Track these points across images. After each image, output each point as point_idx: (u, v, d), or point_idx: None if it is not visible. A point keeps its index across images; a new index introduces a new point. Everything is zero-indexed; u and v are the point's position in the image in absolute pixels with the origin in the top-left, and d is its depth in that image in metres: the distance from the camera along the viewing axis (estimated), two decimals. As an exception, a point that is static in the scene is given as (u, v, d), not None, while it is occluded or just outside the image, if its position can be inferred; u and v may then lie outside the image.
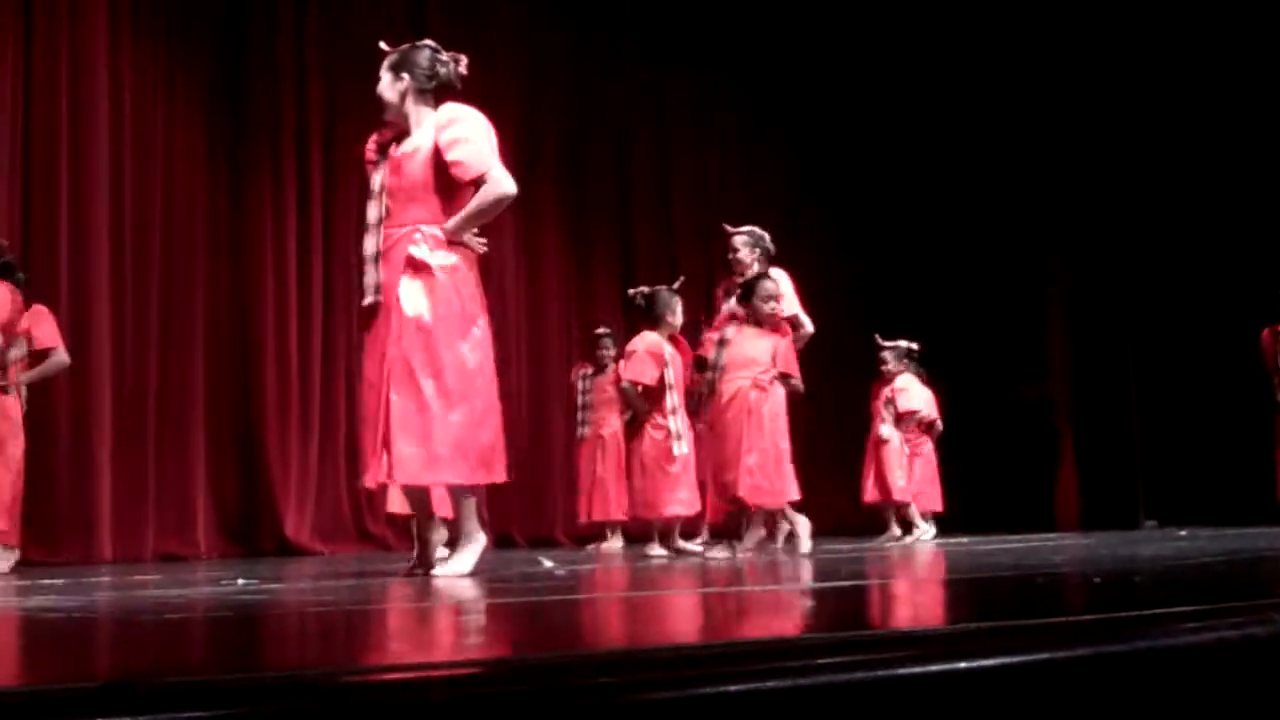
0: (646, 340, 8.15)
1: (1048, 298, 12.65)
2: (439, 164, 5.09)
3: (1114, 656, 2.00)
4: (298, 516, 9.66)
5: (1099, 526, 11.27)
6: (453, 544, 5.35)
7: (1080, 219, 12.37)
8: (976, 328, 12.52)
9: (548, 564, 6.40)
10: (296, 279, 10.01)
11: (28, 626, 3.25)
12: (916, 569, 5.35)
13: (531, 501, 11.34)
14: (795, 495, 7.53)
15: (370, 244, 5.11)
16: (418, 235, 5.04)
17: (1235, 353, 10.61)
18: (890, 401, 10.27)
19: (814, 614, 3.13)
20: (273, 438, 9.70)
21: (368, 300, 5.09)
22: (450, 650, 2.44)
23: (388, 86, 5.28)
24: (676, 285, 8.48)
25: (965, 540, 8.94)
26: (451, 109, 5.19)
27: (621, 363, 8.55)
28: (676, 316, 8.25)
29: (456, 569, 5.03)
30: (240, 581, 5.19)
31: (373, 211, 5.16)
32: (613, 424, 9.87)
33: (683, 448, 7.94)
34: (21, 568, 6.99)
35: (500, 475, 5.15)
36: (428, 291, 4.98)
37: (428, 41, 5.39)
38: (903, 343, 10.47)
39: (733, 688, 1.69)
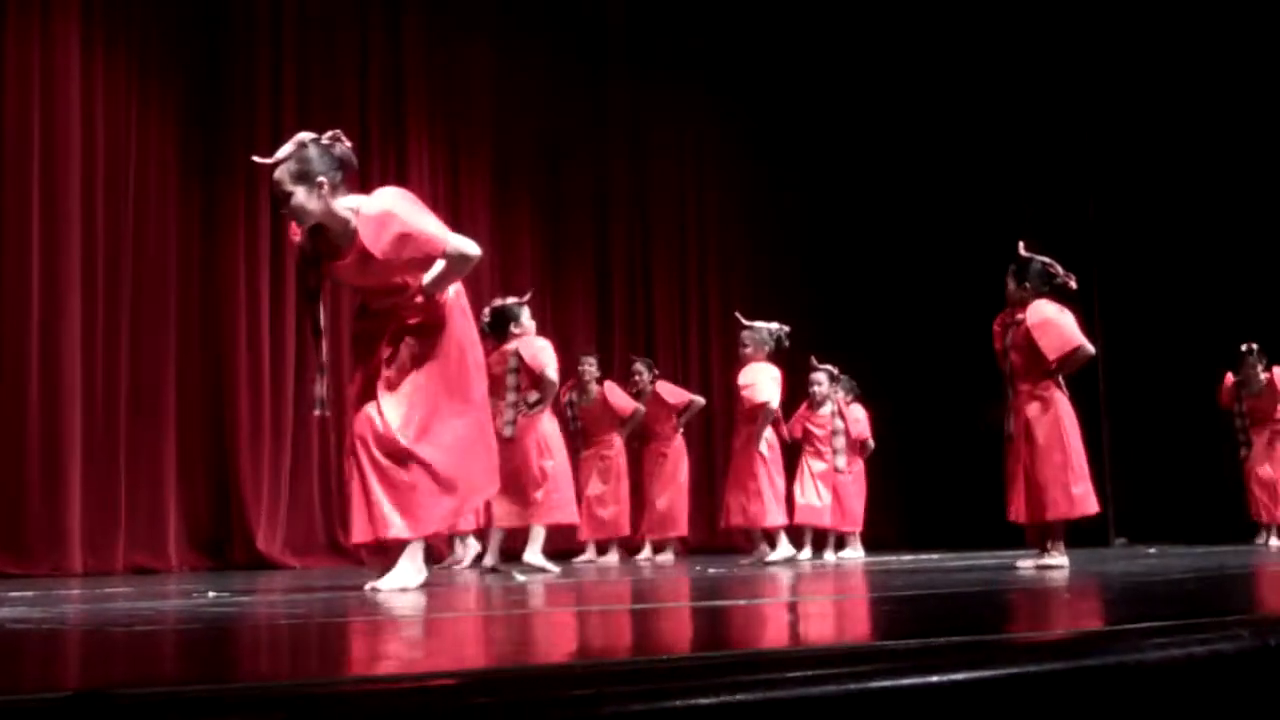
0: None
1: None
2: (388, 264, 5.11)
3: (1085, 671, 2.01)
4: (269, 530, 9.62)
5: (1070, 544, 11.26)
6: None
7: (1048, 239, 12.41)
8: (943, 346, 12.54)
9: (519, 578, 6.39)
10: (269, 293, 9.98)
11: (-4, 638, 3.23)
12: (889, 585, 5.36)
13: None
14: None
15: (321, 356, 5.33)
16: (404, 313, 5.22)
17: (1205, 372, 10.68)
18: (841, 432, 9.90)
19: (787, 627, 3.13)
20: (245, 451, 9.66)
21: (316, 413, 5.53)
22: (421, 663, 2.44)
23: (306, 198, 5.03)
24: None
25: (936, 557, 8.95)
26: (369, 211, 5.06)
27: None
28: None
29: (397, 583, 5.10)
30: (211, 594, 5.17)
31: (323, 346, 5.32)
32: (615, 443, 10.01)
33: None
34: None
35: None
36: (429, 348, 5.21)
37: (303, 136, 5.15)
38: (829, 366, 10.09)
39: (704, 700, 1.69)
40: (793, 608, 3.94)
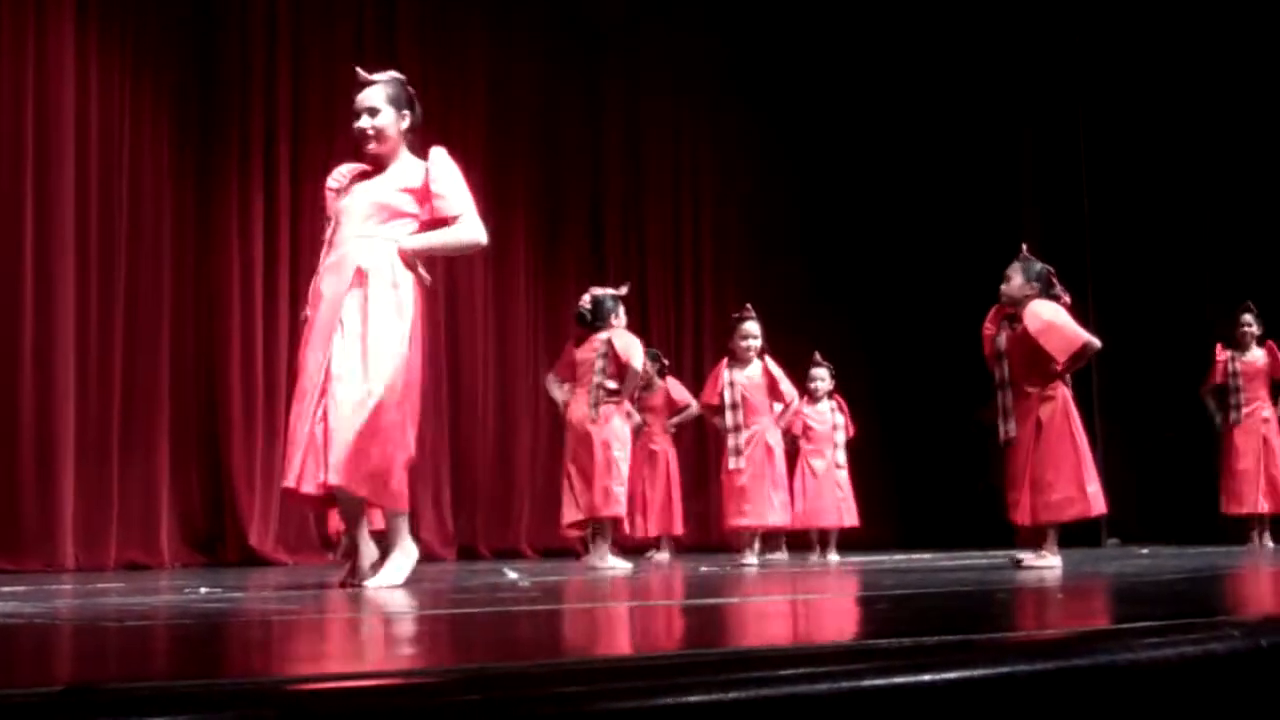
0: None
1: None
2: (418, 196, 5.14)
3: (1076, 671, 2.01)
4: (261, 526, 9.62)
5: (1062, 544, 11.27)
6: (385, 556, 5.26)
7: (1043, 238, 12.43)
8: (938, 346, 12.55)
9: (512, 575, 6.39)
10: (262, 288, 9.97)
11: (-13, 633, 3.23)
12: (881, 585, 5.36)
13: (497, 513, 11.32)
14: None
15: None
16: (373, 245, 5.07)
17: (1198, 372, 10.67)
18: (842, 427, 9.84)
19: (778, 625, 3.13)
20: (237, 447, 9.65)
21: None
22: (411, 660, 2.43)
23: (392, 123, 5.20)
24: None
25: (928, 557, 8.96)
26: (444, 156, 5.23)
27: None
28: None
29: (388, 580, 5.02)
30: (203, 590, 5.16)
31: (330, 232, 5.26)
32: (661, 441, 10.10)
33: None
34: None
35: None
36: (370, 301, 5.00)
37: (401, 75, 5.39)
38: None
39: (694, 698, 1.69)
40: (784, 606, 3.94)
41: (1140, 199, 12.37)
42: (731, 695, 1.71)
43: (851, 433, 10.05)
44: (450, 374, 11.09)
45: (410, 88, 5.35)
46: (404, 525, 5.16)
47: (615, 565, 7.65)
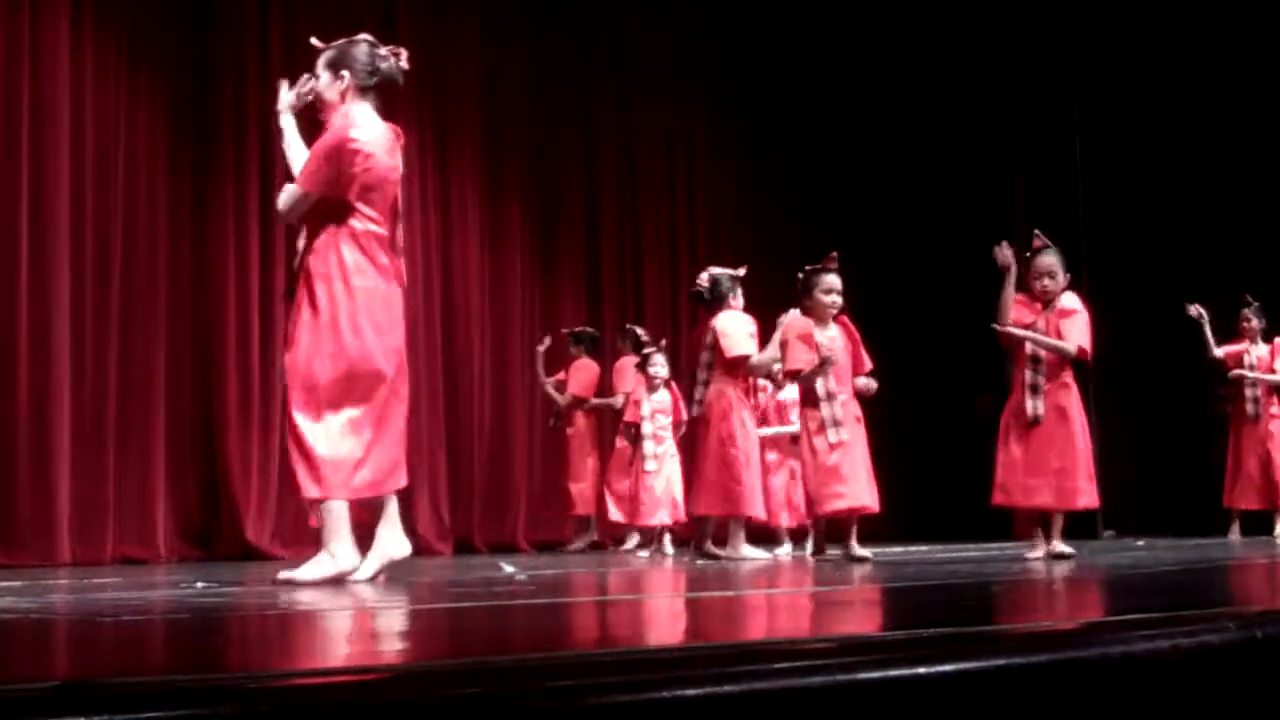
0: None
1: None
2: None
3: (1071, 663, 2.01)
4: (258, 520, 9.60)
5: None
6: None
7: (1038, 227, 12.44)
8: (940, 335, 12.55)
9: (508, 569, 6.39)
10: (259, 282, 9.96)
11: (-17, 628, 3.23)
12: (877, 577, 5.36)
13: (493, 507, 11.32)
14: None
15: None
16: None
17: (1194, 364, 10.68)
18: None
19: (774, 619, 3.13)
20: (234, 442, 9.64)
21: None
22: (410, 653, 2.44)
23: (327, 86, 5.16)
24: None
25: (924, 548, 8.96)
26: (338, 119, 5.11)
27: None
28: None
29: (310, 574, 4.89)
30: (199, 584, 5.16)
31: None
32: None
33: None
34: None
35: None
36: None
37: (365, 36, 5.28)
38: None
39: (690, 691, 1.69)
40: (781, 600, 3.94)
41: (1136, 189, 12.36)
42: (727, 689, 1.71)
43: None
44: (446, 367, 11.08)
45: (359, 43, 5.23)
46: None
47: (751, 555, 7.42)
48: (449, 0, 11.49)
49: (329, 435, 4.89)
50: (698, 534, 7.86)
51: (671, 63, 12.89)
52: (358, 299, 4.98)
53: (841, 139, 13.45)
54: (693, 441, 7.93)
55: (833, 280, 7.45)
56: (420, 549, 10.28)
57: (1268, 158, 11.74)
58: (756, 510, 7.78)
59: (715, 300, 7.86)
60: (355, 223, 5.01)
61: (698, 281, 8.05)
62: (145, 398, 9.27)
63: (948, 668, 1.88)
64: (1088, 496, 6.77)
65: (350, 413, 4.93)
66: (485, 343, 11.50)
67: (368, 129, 5.10)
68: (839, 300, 7.46)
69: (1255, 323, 10.25)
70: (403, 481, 5.14)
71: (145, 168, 9.48)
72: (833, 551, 7.34)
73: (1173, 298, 11.61)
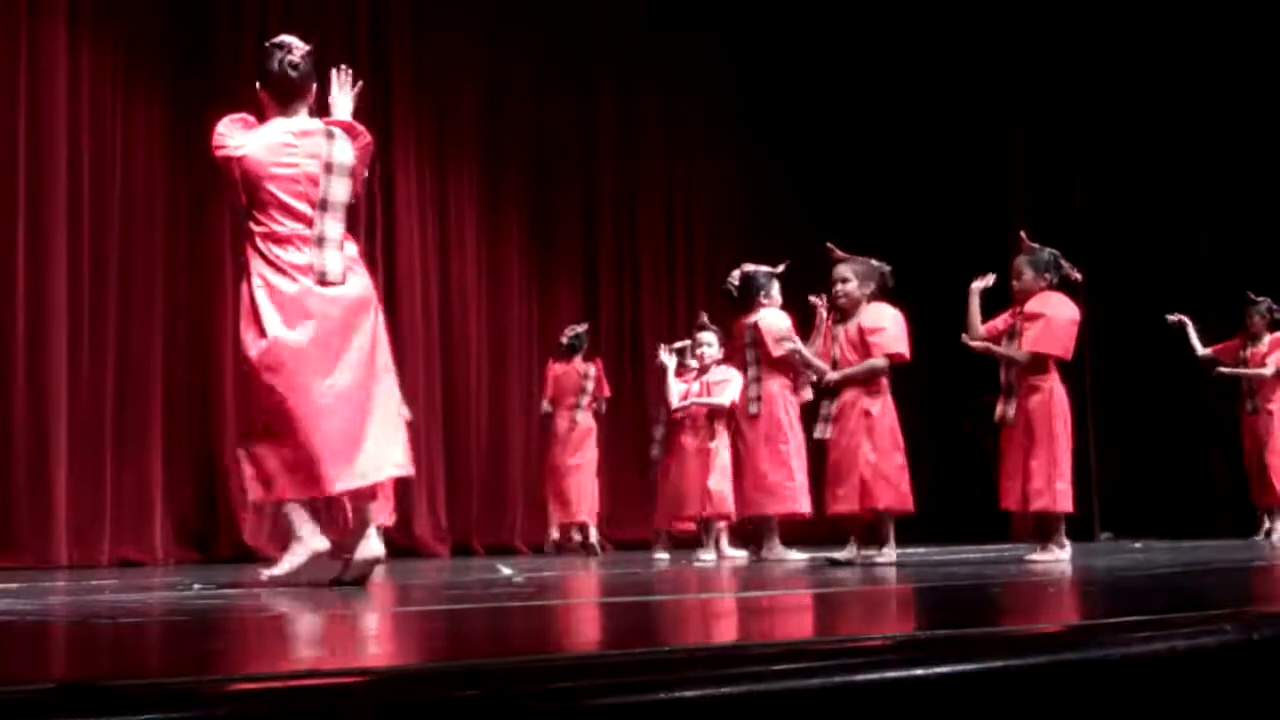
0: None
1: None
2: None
3: (1068, 665, 2.01)
4: (255, 522, 9.60)
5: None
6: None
7: (1034, 226, 12.45)
8: (930, 342, 12.52)
9: (506, 571, 6.39)
10: (256, 284, 9.95)
11: (-19, 630, 3.22)
12: (874, 579, 5.36)
13: (491, 509, 11.31)
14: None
15: None
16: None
17: (1192, 365, 10.67)
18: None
19: (773, 620, 3.13)
20: (230, 443, 9.61)
21: None
22: (406, 655, 2.44)
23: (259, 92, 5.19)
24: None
25: (922, 551, 8.96)
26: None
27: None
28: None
29: (282, 569, 5.08)
30: (196, 587, 5.17)
31: None
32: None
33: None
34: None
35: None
36: None
37: (276, 39, 5.26)
38: None
39: (688, 693, 1.69)
40: (778, 602, 3.94)
41: (1135, 189, 12.35)
42: (725, 690, 1.71)
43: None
44: (443, 370, 11.08)
45: (265, 49, 5.25)
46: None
47: (789, 556, 7.34)
48: (447, 5, 11.48)
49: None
50: (755, 535, 7.74)
51: (671, 69, 12.89)
52: (264, 298, 4.91)
53: (840, 144, 13.44)
54: (740, 440, 7.79)
55: (840, 271, 7.02)
56: (418, 551, 10.29)
57: (1268, 158, 11.74)
58: (804, 507, 7.60)
59: (746, 298, 7.75)
60: (255, 225, 4.97)
61: (729, 279, 7.95)
62: (142, 400, 9.27)
63: (945, 670, 1.88)
64: (1047, 499, 6.66)
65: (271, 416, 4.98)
66: (483, 346, 11.50)
67: (245, 135, 5.08)
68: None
69: (1257, 319, 10.24)
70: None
71: (142, 169, 9.47)
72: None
73: (1171, 298, 11.61)
